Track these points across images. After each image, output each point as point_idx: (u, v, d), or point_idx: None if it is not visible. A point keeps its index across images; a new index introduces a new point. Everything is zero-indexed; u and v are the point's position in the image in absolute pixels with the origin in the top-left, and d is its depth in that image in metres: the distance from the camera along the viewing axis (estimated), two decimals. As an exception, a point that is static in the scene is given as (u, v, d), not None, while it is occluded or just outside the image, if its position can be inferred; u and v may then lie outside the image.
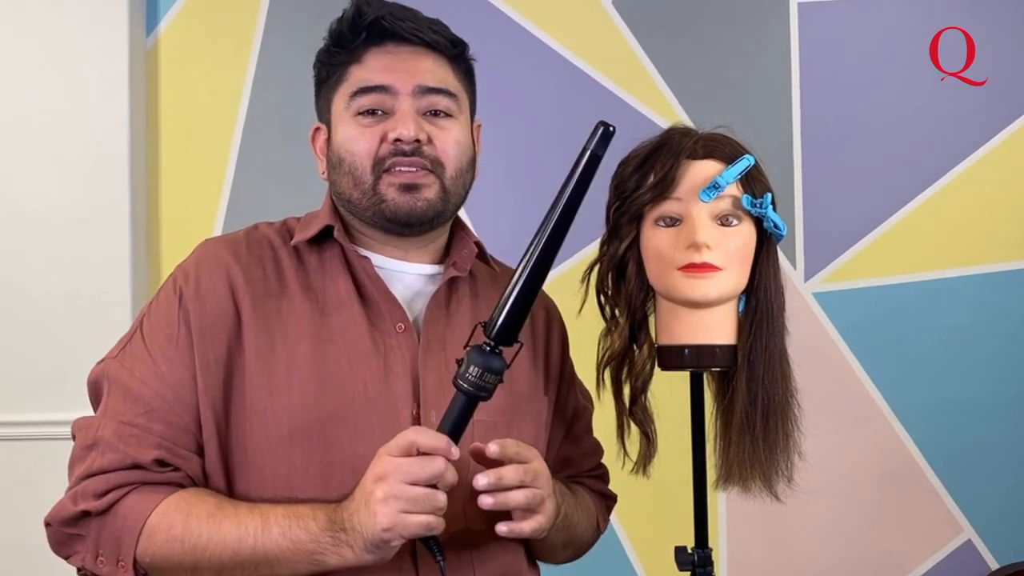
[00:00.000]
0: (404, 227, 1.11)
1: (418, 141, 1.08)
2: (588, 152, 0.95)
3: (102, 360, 1.09)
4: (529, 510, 1.00)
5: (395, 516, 0.92)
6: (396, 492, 0.92)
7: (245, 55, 2.29)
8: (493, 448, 0.98)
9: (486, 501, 0.97)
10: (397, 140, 1.07)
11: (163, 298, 1.09)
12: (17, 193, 2.17)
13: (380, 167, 1.08)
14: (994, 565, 2.25)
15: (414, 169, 1.08)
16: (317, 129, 1.19)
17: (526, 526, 1.00)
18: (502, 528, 1.00)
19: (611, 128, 0.94)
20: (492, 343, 0.96)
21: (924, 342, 2.25)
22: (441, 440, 0.94)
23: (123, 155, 2.19)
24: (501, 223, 2.23)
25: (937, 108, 2.28)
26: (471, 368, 0.95)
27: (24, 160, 2.18)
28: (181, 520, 0.98)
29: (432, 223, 1.13)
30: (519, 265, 0.96)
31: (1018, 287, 2.26)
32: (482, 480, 0.97)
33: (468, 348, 0.97)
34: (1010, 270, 2.27)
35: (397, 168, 1.08)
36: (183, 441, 1.03)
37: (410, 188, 1.08)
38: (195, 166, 2.29)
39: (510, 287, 0.96)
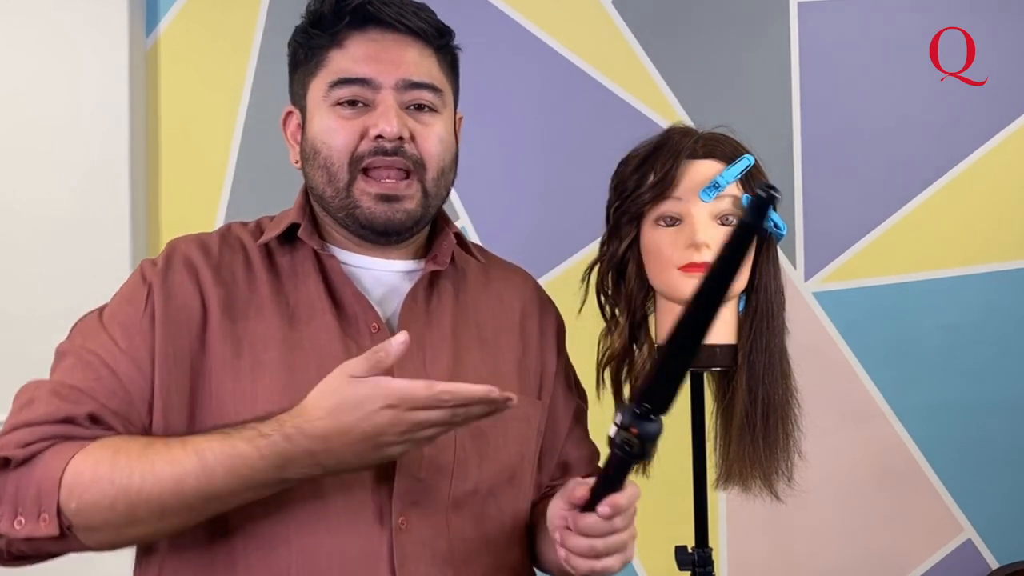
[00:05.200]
0: (379, 235, 1.06)
1: (400, 139, 1.02)
2: (743, 222, 0.80)
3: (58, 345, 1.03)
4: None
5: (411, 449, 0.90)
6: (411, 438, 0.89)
7: (245, 55, 2.29)
8: (604, 510, 0.92)
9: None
10: (379, 137, 1.01)
11: (128, 287, 1.04)
12: (16, 194, 2.17)
13: (357, 165, 1.02)
14: (994, 564, 2.25)
15: (393, 175, 1.03)
16: (289, 113, 1.12)
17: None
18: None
19: (766, 195, 0.77)
20: (645, 414, 0.87)
21: (924, 341, 2.25)
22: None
23: (123, 155, 2.19)
24: (501, 222, 2.23)
25: (937, 108, 2.27)
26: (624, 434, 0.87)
27: (23, 161, 2.17)
28: (108, 457, 0.89)
29: (411, 231, 1.08)
30: (670, 332, 0.87)
31: (1018, 287, 2.26)
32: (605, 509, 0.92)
33: (621, 412, 0.89)
34: (1010, 270, 2.26)
35: (375, 170, 1.03)
36: (126, 415, 0.96)
37: (388, 199, 1.03)
38: (195, 167, 2.29)
39: (659, 355, 0.89)
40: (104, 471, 0.89)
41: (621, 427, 0.87)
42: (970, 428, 2.24)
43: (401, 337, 0.88)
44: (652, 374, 0.88)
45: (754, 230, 0.79)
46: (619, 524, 0.93)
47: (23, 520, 0.89)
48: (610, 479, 0.91)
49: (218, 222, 2.26)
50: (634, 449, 0.86)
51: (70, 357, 0.99)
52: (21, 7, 2.18)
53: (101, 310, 1.03)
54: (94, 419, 0.94)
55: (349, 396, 0.87)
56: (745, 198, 1.15)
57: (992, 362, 2.25)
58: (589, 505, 0.93)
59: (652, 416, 0.86)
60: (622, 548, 0.95)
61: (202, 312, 1.01)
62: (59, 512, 0.89)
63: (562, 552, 0.96)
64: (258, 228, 1.11)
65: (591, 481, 0.94)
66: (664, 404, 0.86)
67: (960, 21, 2.26)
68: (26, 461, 0.91)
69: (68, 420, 0.93)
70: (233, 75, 2.29)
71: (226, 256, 1.06)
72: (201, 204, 2.28)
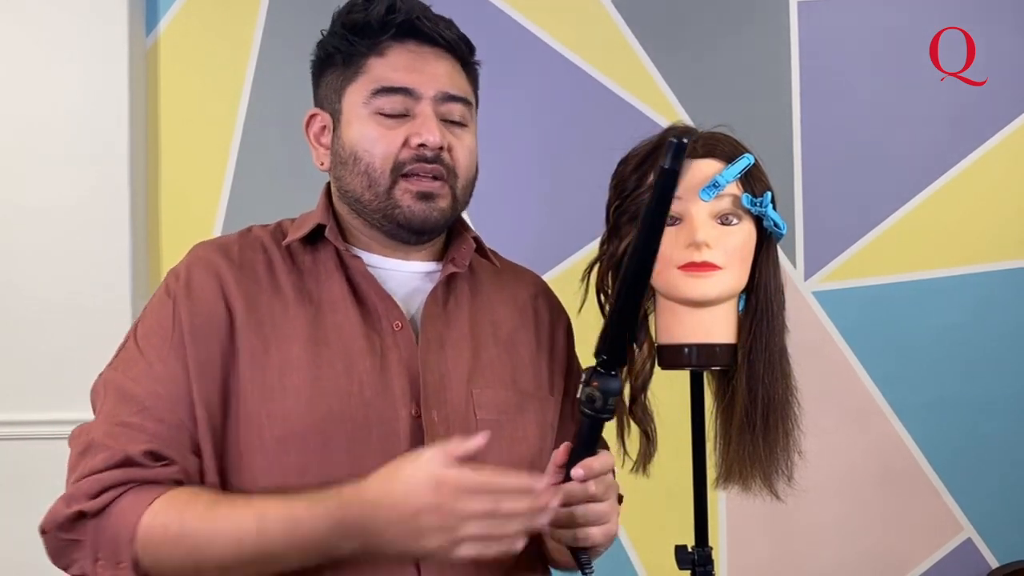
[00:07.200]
0: (415, 234, 1.10)
1: (440, 148, 1.07)
2: (664, 168, 0.92)
3: (102, 372, 1.07)
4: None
5: (451, 550, 0.90)
6: (458, 536, 0.89)
7: (245, 55, 2.29)
8: (578, 472, 0.97)
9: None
10: (421, 146, 1.06)
11: (156, 301, 1.08)
12: (17, 192, 2.17)
13: (399, 171, 1.07)
14: (994, 564, 2.25)
15: (432, 177, 1.07)
16: (314, 116, 1.15)
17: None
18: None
19: (684, 141, 0.92)
20: (603, 368, 0.96)
21: (924, 341, 2.25)
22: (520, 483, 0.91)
23: (123, 155, 2.19)
24: (501, 222, 2.23)
25: (937, 108, 2.28)
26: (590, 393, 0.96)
27: (24, 160, 2.17)
28: (176, 519, 0.95)
29: (440, 231, 1.14)
30: (616, 286, 0.98)
31: (1018, 286, 2.26)
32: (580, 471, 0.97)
33: (584, 372, 0.98)
34: (1010, 269, 2.27)
35: (416, 175, 1.07)
36: (178, 439, 1.01)
37: (426, 197, 1.07)
38: (195, 166, 2.29)
39: (609, 309, 0.96)
40: (173, 533, 0.95)
41: (584, 384, 0.96)
42: (970, 427, 2.25)
43: (479, 439, 0.92)
44: (605, 329, 0.97)
45: (676, 174, 0.91)
46: (594, 490, 0.97)
47: (103, 564, 0.96)
48: (582, 441, 0.97)
49: (218, 221, 2.27)
50: (597, 403, 0.95)
51: (114, 390, 1.03)
52: (21, 7, 2.18)
53: (135, 331, 1.07)
54: (151, 454, 0.99)
55: (400, 465, 0.92)
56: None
57: (992, 361, 2.25)
58: (567, 472, 0.97)
59: (612, 372, 0.95)
60: (603, 519, 0.99)
61: (228, 315, 1.04)
62: (136, 563, 0.95)
63: (549, 527, 0.99)
64: (279, 229, 1.15)
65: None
66: (619, 355, 0.96)
67: (960, 21, 2.26)
68: (99, 512, 0.97)
69: (127, 462, 0.98)
70: (233, 75, 2.29)
71: (247, 256, 1.10)
72: (201, 203, 2.28)
